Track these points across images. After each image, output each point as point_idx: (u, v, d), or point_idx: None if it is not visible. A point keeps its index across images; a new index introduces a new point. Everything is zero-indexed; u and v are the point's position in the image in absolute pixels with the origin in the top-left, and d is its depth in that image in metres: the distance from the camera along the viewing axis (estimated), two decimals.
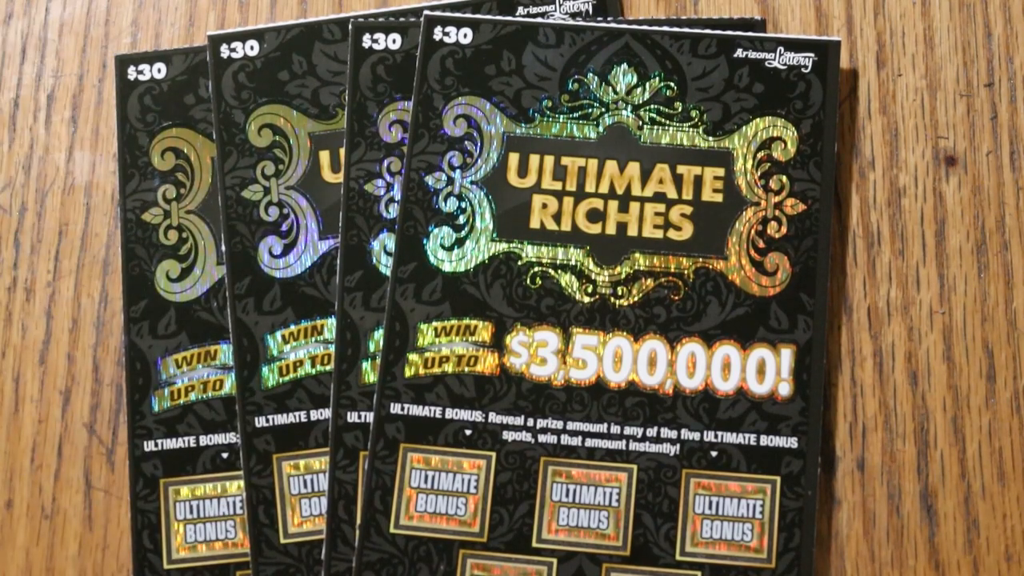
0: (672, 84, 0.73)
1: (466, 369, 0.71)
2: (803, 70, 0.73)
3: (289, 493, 0.72)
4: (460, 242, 0.72)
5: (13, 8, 0.80)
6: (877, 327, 0.73)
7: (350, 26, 0.75)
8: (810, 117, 0.73)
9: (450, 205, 0.73)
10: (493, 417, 0.71)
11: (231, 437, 0.73)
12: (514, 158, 0.73)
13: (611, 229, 0.72)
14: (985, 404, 0.72)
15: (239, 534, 0.72)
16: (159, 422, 0.73)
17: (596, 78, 0.73)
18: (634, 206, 0.72)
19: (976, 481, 0.72)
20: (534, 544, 0.70)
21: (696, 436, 0.70)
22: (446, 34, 0.74)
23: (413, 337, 0.72)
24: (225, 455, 0.73)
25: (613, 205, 0.72)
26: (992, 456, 0.72)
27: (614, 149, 0.73)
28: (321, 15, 0.78)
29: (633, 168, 0.73)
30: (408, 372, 0.71)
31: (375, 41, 0.75)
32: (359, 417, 0.72)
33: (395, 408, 0.71)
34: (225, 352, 0.74)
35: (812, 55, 0.73)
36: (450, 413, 0.71)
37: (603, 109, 0.73)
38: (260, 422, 0.72)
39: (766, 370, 0.71)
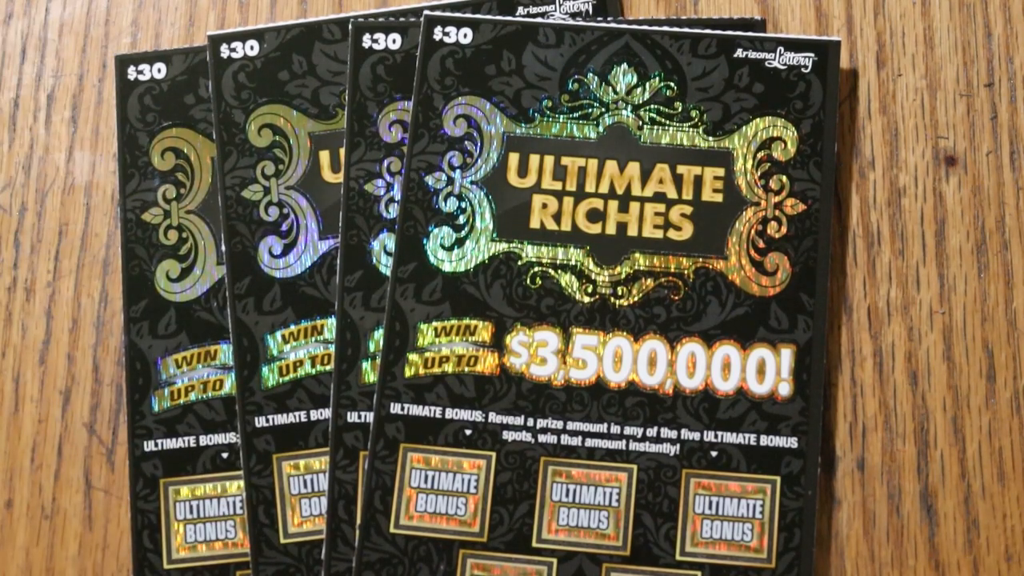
0: (672, 84, 0.73)
1: (466, 369, 0.71)
2: (803, 70, 0.73)
3: (289, 493, 0.72)
4: (460, 242, 0.72)
5: (13, 8, 0.80)
6: (877, 327, 0.73)
7: (350, 26, 0.75)
8: (810, 117, 0.73)
9: (450, 205, 0.73)
10: (493, 417, 0.71)
11: (231, 437, 0.73)
12: (514, 158, 0.73)
13: (611, 229, 0.72)
14: (985, 404, 0.72)
15: (239, 534, 0.72)
16: (159, 422, 0.73)
17: (596, 78, 0.73)
18: (634, 206, 0.72)
19: (976, 481, 0.72)
20: (534, 544, 0.70)
21: (696, 436, 0.70)
22: (446, 34, 0.74)
23: (413, 337, 0.72)
24: (225, 455, 0.73)
25: (613, 205, 0.72)
26: (992, 456, 0.72)
27: (614, 149, 0.73)
28: (321, 15, 0.78)
29: (633, 168, 0.73)
30: (408, 372, 0.71)
31: (375, 41, 0.75)
32: (359, 417, 0.72)
33: (395, 408, 0.71)
34: (225, 352, 0.74)
35: (812, 55, 0.73)
36: (450, 413, 0.71)
37: (603, 109, 0.73)
38: (260, 422, 0.72)
39: (766, 370, 0.71)
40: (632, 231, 0.72)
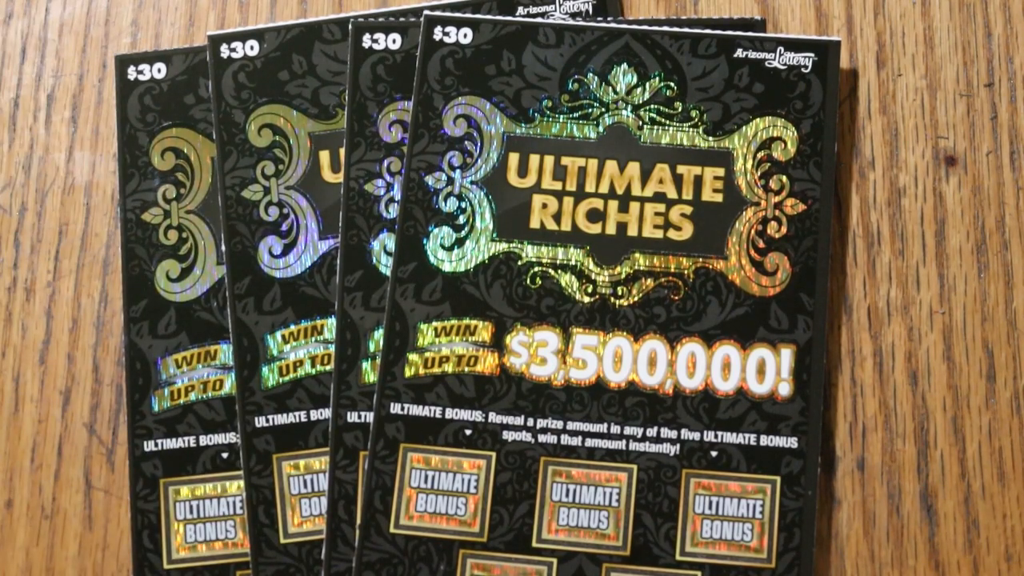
0: (672, 84, 0.73)
1: (466, 369, 0.71)
2: (803, 70, 0.73)
3: (289, 493, 0.72)
4: (460, 242, 0.72)
5: (13, 8, 0.80)
6: (877, 327, 0.73)
7: (350, 26, 0.75)
8: (810, 117, 0.73)
9: (450, 205, 0.73)
10: (493, 417, 0.71)
11: (231, 437, 0.73)
12: (514, 158, 0.73)
13: (611, 229, 0.72)
14: (985, 404, 0.72)
15: (239, 534, 0.72)
16: (159, 422, 0.73)
17: (596, 78, 0.73)
18: (634, 206, 0.72)
19: (976, 481, 0.72)
20: (534, 544, 0.70)
21: (696, 436, 0.70)
22: (446, 34, 0.74)
23: (413, 337, 0.72)
24: (225, 455, 0.73)
25: (613, 205, 0.72)
26: (992, 456, 0.72)
27: (614, 149, 0.73)
28: (321, 15, 0.78)
29: (633, 168, 0.73)
30: (408, 372, 0.71)
31: (375, 41, 0.75)
32: (359, 417, 0.72)
33: (395, 408, 0.71)
34: (225, 352, 0.74)
35: (812, 55, 0.73)
36: (450, 413, 0.71)
37: (603, 109, 0.73)
38: (260, 422, 0.72)
39: (766, 370, 0.71)
40: (632, 231, 0.72)
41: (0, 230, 0.77)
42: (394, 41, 0.75)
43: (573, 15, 0.76)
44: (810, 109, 0.73)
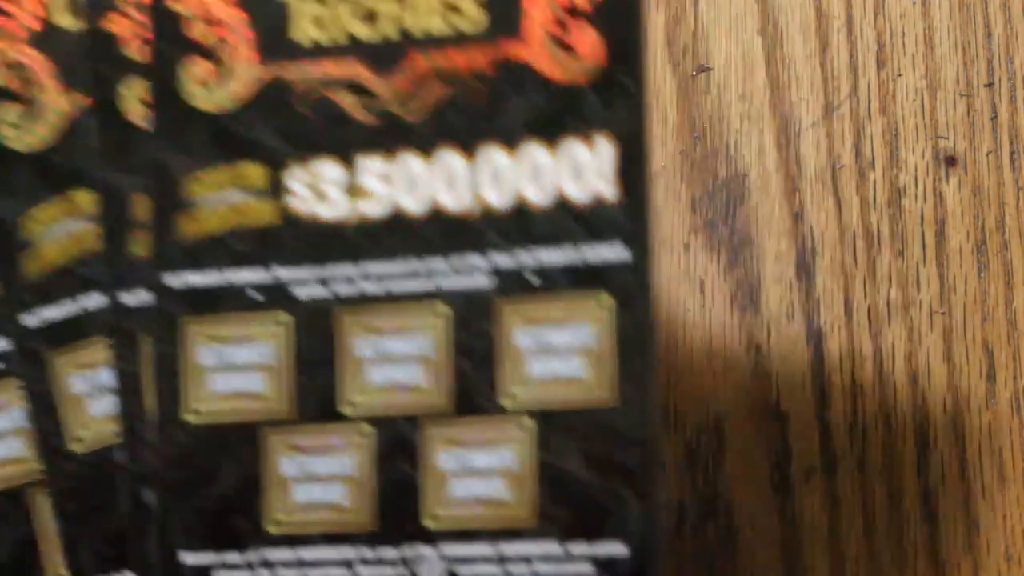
0: None
1: (244, 222, 0.61)
2: None
3: (72, 394, 0.63)
4: (219, 76, 0.62)
5: None
6: (877, 327, 0.73)
7: None
8: None
9: (202, 34, 0.62)
10: (281, 273, 0.60)
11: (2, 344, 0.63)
12: None
13: (388, 30, 0.61)
14: (985, 404, 0.72)
15: (27, 451, 0.63)
16: None
17: None
18: None
19: (976, 481, 0.72)
20: (344, 411, 0.59)
21: (510, 261, 0.58)
22: None
23: (180, 194, 0.61)
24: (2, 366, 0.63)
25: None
26: (992, 456, 0.72)
27: None
28: None
29: None
30: (181, 235, 0.61)
31: None
32: (134, 298, 0.62)
33: (171, 280, 0.61)
34: None
35: None
36: (232, 276, 0.60)
37: None
38: (29, 320, 0.63)
39: (584, 171, 0.58)
40: (412, 27, 0.60)
41: None
42: None
43: None
44: None
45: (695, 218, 0.77)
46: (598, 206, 0.58)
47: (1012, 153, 0.74)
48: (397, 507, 0.60)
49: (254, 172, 0.61)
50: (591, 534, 0.58)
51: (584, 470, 0.58)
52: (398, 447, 0.59)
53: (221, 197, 0.61)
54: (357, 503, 0.60)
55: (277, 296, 0.60)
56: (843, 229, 0.74)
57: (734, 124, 0.77)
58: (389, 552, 0.60)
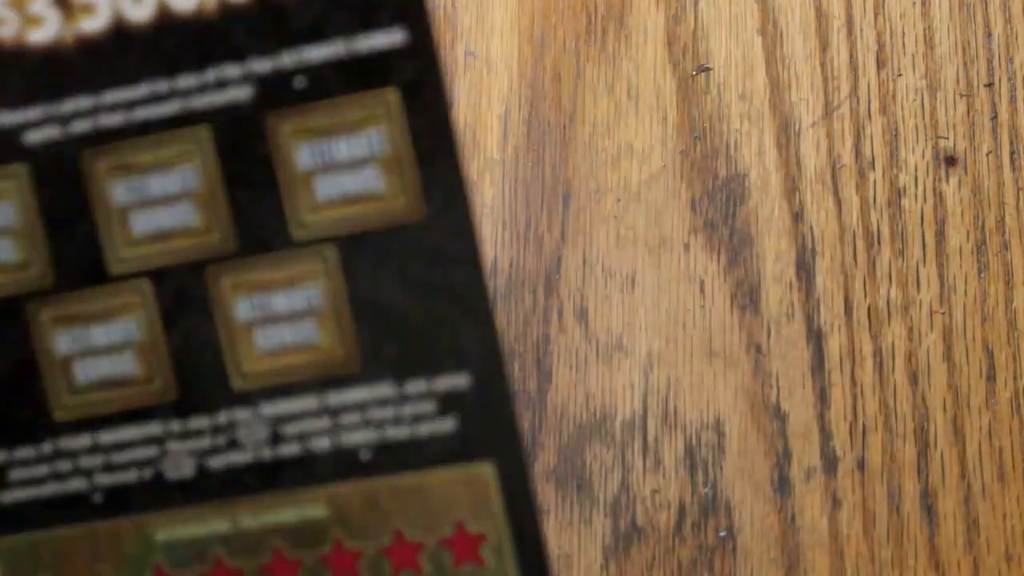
0: None
1: None
2: None
3: None
4: None
5: None
6: (877, 327, 0.73)
7: None
8: None
9: None
10: (4, 117, 0.50)
11: None
12: None
13: None
14: (985, 404, 0.72)
15: None
16: None
17: None
18: None
19: (976, 481, 0.72)
20: (112, 270, 0.50)
21: (270, 64, 0.49)
22: None
23: None
24: None
25: None
26: (992, 456, 0.72)
27: None
28: None
29: None
30: None
31: None
32: None
33: None
34: None
35: None
36: None
37: None
38: None
39: None
40: None
41: None
42: None
43: None
44: None
45: (695, 218, 0.77)
46: None
47: (1012, 153, 0.75)
48: (198, 369, 0.51)
49: None
50: (426, 368, 0.50)
51: (403, 298, 0.50)
52: (184, 301, 0.51)
53: None
54: (151, 371, 0.51)
55: (2, 146, 0.51)
56: (843, 229, 0.74)
57: (734, 124, 0.77)
58: (201, 421, 0.51)
